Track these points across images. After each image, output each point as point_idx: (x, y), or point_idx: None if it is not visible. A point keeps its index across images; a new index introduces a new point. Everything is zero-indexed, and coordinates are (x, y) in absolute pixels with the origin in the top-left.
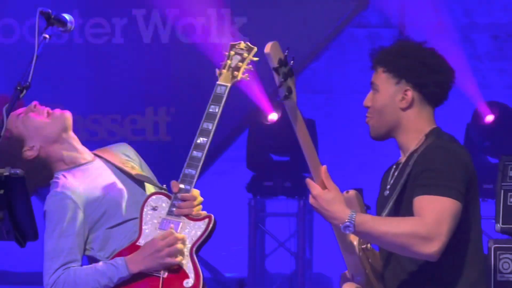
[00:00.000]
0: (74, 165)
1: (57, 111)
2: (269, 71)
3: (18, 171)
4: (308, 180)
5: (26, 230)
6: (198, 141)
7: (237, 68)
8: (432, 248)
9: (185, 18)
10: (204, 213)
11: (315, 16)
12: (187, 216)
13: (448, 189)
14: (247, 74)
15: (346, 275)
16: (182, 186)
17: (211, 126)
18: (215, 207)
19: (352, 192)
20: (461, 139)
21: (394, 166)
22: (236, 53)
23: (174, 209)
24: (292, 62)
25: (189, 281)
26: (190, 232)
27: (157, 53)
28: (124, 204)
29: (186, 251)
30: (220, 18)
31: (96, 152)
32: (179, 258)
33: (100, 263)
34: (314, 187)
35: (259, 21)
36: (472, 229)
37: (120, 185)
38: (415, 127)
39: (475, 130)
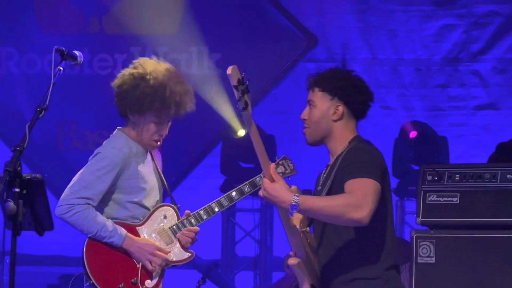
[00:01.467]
0: (135, 141)
1: (165, 133)
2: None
3: (38, 175)
4: (261, 177)
5: (44, 222)
6: (222, 200)
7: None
8: (362, 213)
9: (172, 54)
10: (194, 236)
11: (275, 53)
12: (180, 241)
13: (369, 173)
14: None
15: (290, 255)
16: (191, 219)
17: (237, 196)
18: (195, 204)
19: (294, 187)
20: (390, 151)
21: (325, 168)
22: (283, 165)
23: (176, 228)
24: (247, 82)
25: (150, 283)
26: (175, 253)
27: None
28: (147, 193)
29: (163, 263)
30: (200, 54)
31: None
32: (152, 268)
33: (110, 222)
34: (264, 181)
35: (231, 56)
36: (388, 212)
37: (154, 180)
38: (342, 135)
39: (402, 143)
